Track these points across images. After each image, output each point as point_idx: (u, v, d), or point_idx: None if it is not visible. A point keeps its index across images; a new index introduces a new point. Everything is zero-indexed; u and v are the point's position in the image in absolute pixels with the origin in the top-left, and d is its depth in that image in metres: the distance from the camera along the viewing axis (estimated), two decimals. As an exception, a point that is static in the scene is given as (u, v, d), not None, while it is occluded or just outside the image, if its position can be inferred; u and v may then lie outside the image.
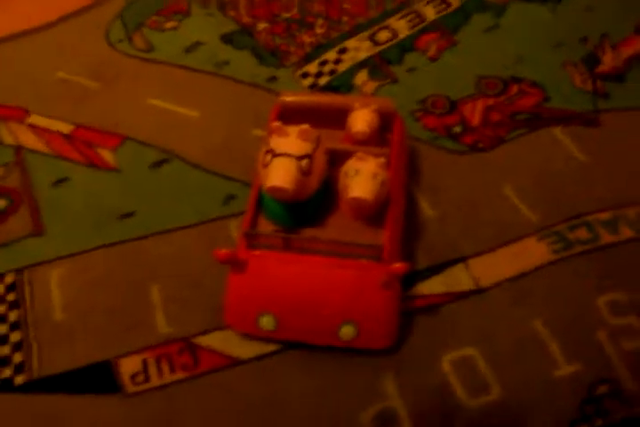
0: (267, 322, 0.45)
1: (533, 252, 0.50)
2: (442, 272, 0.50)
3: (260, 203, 0.48)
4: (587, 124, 0.58)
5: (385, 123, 0.50)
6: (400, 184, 0.50)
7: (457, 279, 0.50)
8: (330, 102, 0.52)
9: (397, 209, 0.49)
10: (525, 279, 0.49)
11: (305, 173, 0.43)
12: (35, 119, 0.63)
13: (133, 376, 0.47)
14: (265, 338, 0.46)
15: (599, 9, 0.67)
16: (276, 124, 0.44)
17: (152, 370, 0.47)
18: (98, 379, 0.47)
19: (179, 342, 0.48)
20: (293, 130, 0.44)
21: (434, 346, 0.47)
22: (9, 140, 0.62)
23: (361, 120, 0.49)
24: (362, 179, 0.44)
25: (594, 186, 0.53)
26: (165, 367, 0.47)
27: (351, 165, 0.45)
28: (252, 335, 0.47)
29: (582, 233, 0.51)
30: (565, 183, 0.54)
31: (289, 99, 0.52)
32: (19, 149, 0.61)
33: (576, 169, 0.55)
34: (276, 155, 0.43)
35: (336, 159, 0.47)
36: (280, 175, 0.42)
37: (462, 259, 0.51)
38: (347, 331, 0.44)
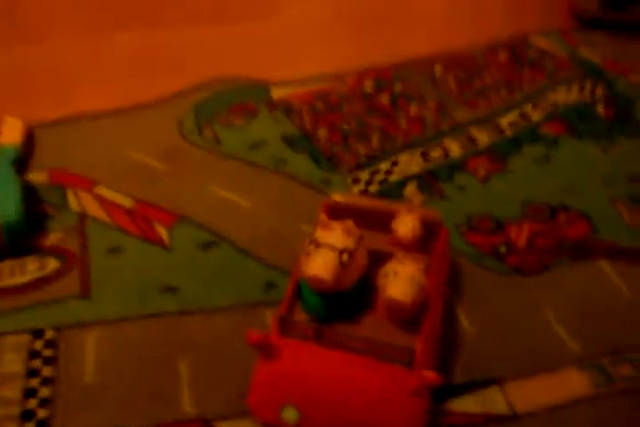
0: (289, 414, 0.44)
1: (573, 383, 0.49)
2: (475, 391, 0.49)
3: (298, 293, 0.48)
4: (635, 259, 0.58)
5: (429, 233, 0.51)
6: (439, 292, 0.50)
7: (491, 401, 0.48)
8: (377, 205, 0.53)
9: (434, 316, 0.48)
10: (564, 411, 0.47)
11: (345, 266, 0.44)
12: (101, 190, 0.67)
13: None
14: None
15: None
16: (323, 217, 0.45)
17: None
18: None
19: (198, 424, 0.47)
20: (338, 225, 0.45)
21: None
22: (75, 206, 0.65)
23: (405, 225, 0.50)
24: (400, 281, 0.44)
25: (638, 324, 0.53)
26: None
27: (391, 266, 0.46)
28: (273, 427, 0.45)
29: (625, 369, 0.49)
30: (609, 318, 0.53)
31: (338, 198, 0.54)
32: (82, 215, 0.64)
33: (621, 305, 0.54)
34: (319, 245, 0.44)
35: (377, 260, 0.48)
36: (321, 265, 0.43)
37: (498, 381, 0.49)
38: None
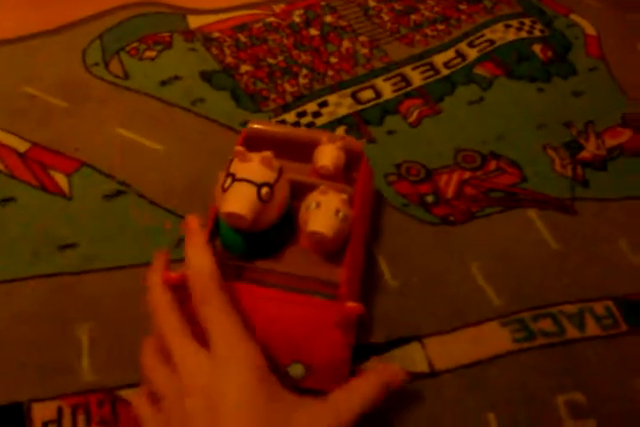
0: None
1: (494, 338, 0.48)
2: (396, 349, 0.47)
3: (215, 230, 0.45)
4: (562, 210, 0.56)
5: (352, 163, 0.49)
6: (363, 225, 0.48)
7: (411, 358, 0.47)
8: (297, 134, 0.50)
9: (358, 249, 0.46)
10: (482, 367, 0.46)
11: (264, 202, 0.40)
12: (-11, 131, 0.59)
13: (45, 425, 0.42)
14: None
15: (587, 95, 0.67)
16: (240, 148, 0.41)
17: (66, 421, 0.43)
18: (7, 423, 0.42)
19: (100, 393, 0.44)
20: (256, 157, 0.41)
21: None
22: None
23: (326, 155, 0.47)
24: (322, 213, 0.42)
25: (563, 275, 0.52)
26: (81, 419, 0.43)
27: (313, 198, 0.43)
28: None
29: (547, 324, 0.49)
30: (534, 269, 0.52)
31: (257, 126, 0.49)
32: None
33: (546, 256, 0.53)
34: (236, 179, 0.40)
35: (299, 192, 0.45)
36: (238, 201, 0.39)
37: (419, 337, 0.48)
38: (295, 371, 0.41)
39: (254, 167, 0.41)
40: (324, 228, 0.41)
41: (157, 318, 0.38)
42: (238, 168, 0.41)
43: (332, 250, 0.44)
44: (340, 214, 0.42)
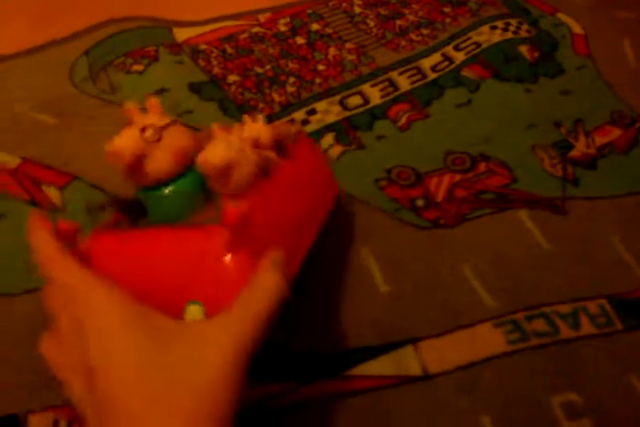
0: None
1: (488, 340, 0.48)
2: (389, 352, 0.47)
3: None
4: (553, 210, 0.56)
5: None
6: (299, 199, 0.45)
7: (404, 362, 0.47)
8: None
9: (272, 190, 0.41)
10: (476, 369, 0.46)
11: (149, 141, 0.37)
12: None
13: (42, 437, 0.42)
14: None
15: (575, 94, 0.67)
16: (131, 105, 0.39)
17: (62, 432, 0.43)
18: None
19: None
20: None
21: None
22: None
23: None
24: (214, 143, 0.37)
25: (555, 276, 0.51)
26: (77, 430, 0.43)
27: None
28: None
29: (540, 325, 0.48)
30: (526, 269, 0.52)
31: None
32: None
33: (538, 256, 0.53)
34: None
35: None
36: (115, 140, 0.37)
37: (412, 340, 0.48)
38: (193, 313, 0.35)
39: (140, 116, 0.39)
40: (212, 155, 0.37)
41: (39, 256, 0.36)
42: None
43: (224, 182, 0.39)
44: (235, 146, 0.38)
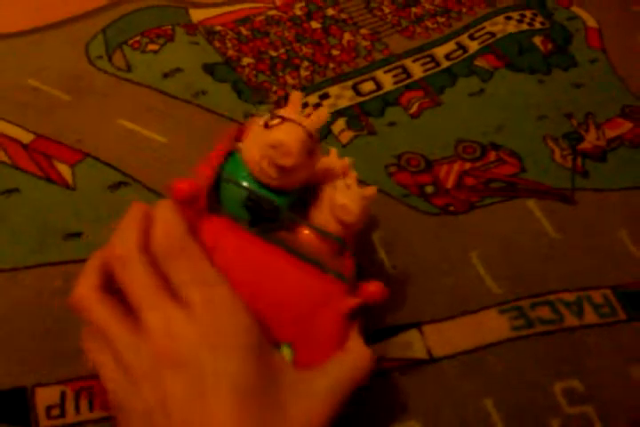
0: None
1: (493, 325, 0.48)
2: (395, 336, 0.48)
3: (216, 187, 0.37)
4: (562, 200, 0.57)
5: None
6: None
7: (409, 345, 0.47)
8: None
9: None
10: (480, 354, 0.47)
11: (308, 153, 0.35)
12: (-5, 121, 0.60)
13: (49, 409, 0.43)
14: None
15: (587, 87, 0.68)
16: (299, 94, 0.38)
17: (69, 405, 0.43)
18: (10, 407, 0.43)
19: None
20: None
21: (374, 417, 0.43)
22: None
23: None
24: (352, 192, 0.39)
25: (561, 264, 0.52)
26: (84, 404, 0.43)
27: (341, 181, 0.40)
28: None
29: (545, 312, 0.49)
30: (533, 258, 0.52)
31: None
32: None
33: (546, 245, 0.53)
34: (285, 119, 0.35)
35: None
36: (287, 133, 0.34)
37: (417, 324, 0.48)
38: (285, 355, 0.34)
39: (302, 117, 0.36)
40: (353, 203, 0.38)
41: (124, 271, 0.32)
42: (287, 112, 0.36)
43: (345, 234, 0.39)
44: (365, 203, 0.39)
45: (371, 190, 0.40)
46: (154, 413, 0.28)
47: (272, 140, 0.34)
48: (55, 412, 0.43)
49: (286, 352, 0.34)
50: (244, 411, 0.28)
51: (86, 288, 0.33)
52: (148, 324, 0.30)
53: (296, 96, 0.38)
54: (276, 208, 0.37)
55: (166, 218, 0.33)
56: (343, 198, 0.38)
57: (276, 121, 0.35)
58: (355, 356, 0.34)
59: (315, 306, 0.35)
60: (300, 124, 0.35)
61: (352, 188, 0.40)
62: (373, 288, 0.36)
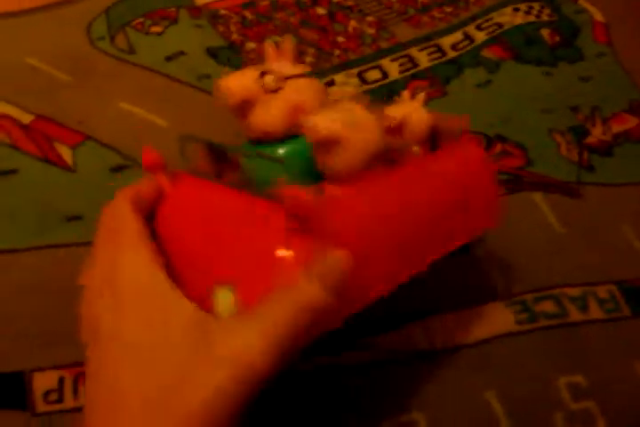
0: None
1: (496, 319, 0.48)
2: (398, 327, 0.47)
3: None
4: (568, 194, 0.56)
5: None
6: (422, 205, 0.36)
7: (413, 337, 0.47)
8: None
9: (392, 202, 0.34)
10: (484, 347, 0.46)
11: (266, 90, 0.34)
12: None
13: (47, 394, 0.42)
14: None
15: (594, 81, 0.67)
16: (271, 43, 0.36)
17: (67, 390, 0.42)
18: (7, 392, 0.42)
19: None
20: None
21: (378, 408, 0.43)
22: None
23: (399, 108, 0.38)
24: (328, 110, 0.32)
25: (567, 259, 0.52)
26: (82, 389, 0.42)
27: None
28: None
29: (549, 306, 0.49)
30: (538, 252, 0.52)
31: None
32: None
33: (551, 238, 0.53)
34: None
35: None
36: (230, 77, 0.34)
37: (421, 316, 0.48)
38: (223, 300, 0.30)
39: (270, 60, 0.36)
40: (321, 121, 0.31)
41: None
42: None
43: (335, 169, 0.33)
44: (353, 118, 0.31)
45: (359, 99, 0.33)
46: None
47: (215, 86, 0.34)
48: (53, 397, 0.42)
49: (223, 296, 0.30)
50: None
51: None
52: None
53: (268, 45, 0.36)
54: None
55: (114, 203, 0.34)
56: (308, 118, 0.31)
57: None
58: (297, 295, 0.28)
59: (253, 232, 0.30)
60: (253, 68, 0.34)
61: (337, 106, 0.33)
62: (292, 192, 0.28)
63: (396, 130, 0.36)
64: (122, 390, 0.27)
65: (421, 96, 0.40)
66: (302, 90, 0.35)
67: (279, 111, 0.34)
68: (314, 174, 0.34)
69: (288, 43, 0.36)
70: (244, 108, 0.34)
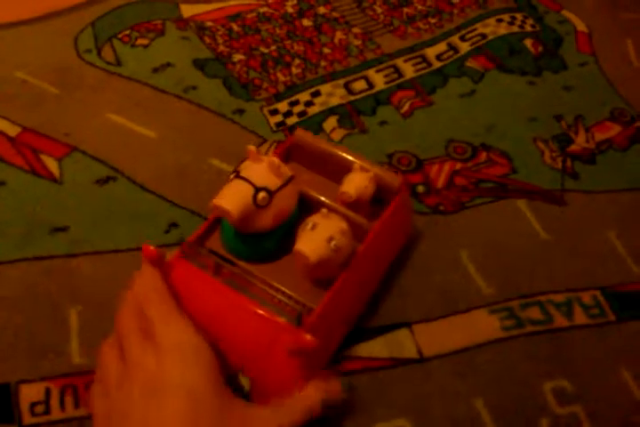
0: None
1: (483, 325, 0.48)
2: (385, 335, 0.48)
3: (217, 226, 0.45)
4: (552, 201, 0.57)
5: (387, 197, 0.47)
6: (374, 263, 0.46)
7: (400, 345, 0.47)
8: (336, 154, 0.48)
9: (352, 282, 0.43)
10: (471, 353, 0.46)
11: (259, 207, 0.40)
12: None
13: (33, 406, 0.42)
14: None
15: (577, 90, 0.68)
16: (252, 147, 0.41)
17: (54, 402, 0.42)
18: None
19: (89, 375, 0.43)
20: (266, 159, 0.41)
21: (365, 414, 0.43)
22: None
23: (352, 182, 0.45)
24: (314, 235, 0.39)
25: (551, 265, 0.52)
26: (69, 400, 0.42)
27: (312, 219, 0.41)
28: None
29: (535, 313, 0.49)
30: (523, 259, 0.52)
31: (302, 134, 0.49)
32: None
33: (536, 245, 0.53)
34: (237, 176, 0.40)
35: (315, 210, 0.42)
36: (229, 197, 0.39)
37: (408, 324, 0.48)
38: (243, 381, 0.41)
39: (260, 170, 0.40)
40: (309, 250, 0.38)
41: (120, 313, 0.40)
42: (245, 166, 0.41)
43: (317, 277, 0.43)
44: (333, 243, 0.39)
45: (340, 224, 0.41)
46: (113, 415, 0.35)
47: (212, 203, 0.39)
48: (40, 409, 0.42)
49: (244, 381, 0.40)
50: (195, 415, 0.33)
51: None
52: (125, 355, 0.37)
53: (251, 149, 0.41)
54: (258, 245, 0.44)
55: (144, 272, 0.40)
56: (301, 243, 0.39)
57: (230, 177, 0.41)
58: (304, 403, 0.39)
59: (266, 345, 0.39)
60: (248, 182, 0.40)
61: (318, 228, 0.40)
62: (306, 338, 0.38)
63: (352, 204, 0.45)
64: None
65: (370, 175, 0.46)
66: (286, 200, 0.42)
67: (268, 221, 0.41)
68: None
69: (275, 160, 0.41)
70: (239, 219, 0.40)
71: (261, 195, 0.40)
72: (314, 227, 0.40)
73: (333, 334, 0.44)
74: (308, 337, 0.38)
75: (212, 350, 0.37)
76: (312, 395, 0.39)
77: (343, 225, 0.41)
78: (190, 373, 0.35)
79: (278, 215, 0.42)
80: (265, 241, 0.43)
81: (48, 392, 0.43)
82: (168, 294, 0.39)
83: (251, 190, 0.39)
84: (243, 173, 0.40)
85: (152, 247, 0.40)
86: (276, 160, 0.41)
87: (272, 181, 0.40)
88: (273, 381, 0.40)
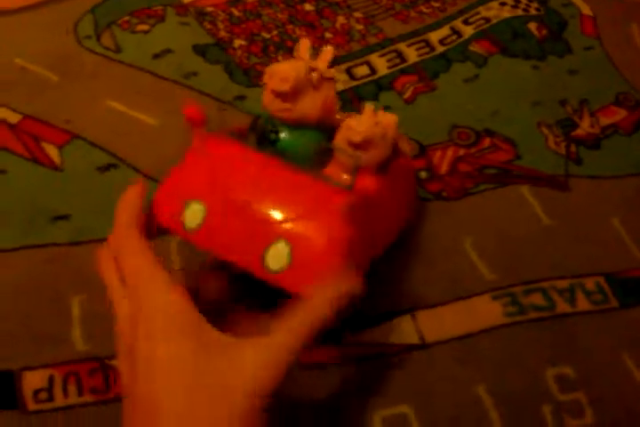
0: (192, 214, 0.37)
1: (486, 311, 0.48)
2: (387, 321, 0.48)
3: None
4: (556, 187, 0.57)
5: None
6: (388, 199, 0.44)
7: (401, 331, 0.47)
8: None
9: (377, 199, 0.41)
10: (473, 340, 0.46)
11: (310, 85, 0.39)
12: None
13: (36, 392, 0.42)
14: (185, 240, 0.38)
15: (582, 74, 0.67)
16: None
17: (57, 388, 0.43)
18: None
19: (92, 362, 0.44)
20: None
21: (368, 400, 0.43)
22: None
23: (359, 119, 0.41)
24: (364, 115, 0.39)
25: (555, 251, 0.52)
26: (72, 388, 0.43)
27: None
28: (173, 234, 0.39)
29: (537, 299, 0.49)
30: (526, 244, 0.52)
31: None
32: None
33: (539, 231, 0.53)
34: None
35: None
36: (286, 66, 0.38)
37: (410, 310, 0.48)
38: (276, 254, 0.35)
39: (309, 57, 0.40)
40: (360, 124, 0.38)
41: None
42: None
43: (358, 163, 0.39)
44: (381, 125, 0.39)
45: (388, 117, 0.41)
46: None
47: (268, 70, 0.38)
48: (43, 395, 0.43)
49: (281, 246, 0.35)
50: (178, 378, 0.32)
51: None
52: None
53: (304, 43, 0.41)
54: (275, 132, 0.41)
55: (117, 221, 0.38)
56: (351, 120, 0.39)
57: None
58: (312, 313, 0.34)
59: (315, 209, 0.36)
60: (300, 59, 0.39)
61: (364, 115, 0.39)
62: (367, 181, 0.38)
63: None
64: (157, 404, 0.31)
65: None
66: (332, 92, 0.41)
67: (320, 105, 0.40)
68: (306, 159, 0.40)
69: (329, 50, 0.41)
70: (287, 94, 0.38)
71: (316, 73, 0.39)
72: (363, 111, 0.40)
73: (366, 237, 0.40)
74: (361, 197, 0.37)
75: (187, 296, 0.34)
76: (319, 305, 0.34)
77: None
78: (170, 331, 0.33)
79: (327, 106, 0.40)
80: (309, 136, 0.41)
81: (51, 379, 0.43)
82: (141, 241, 0.37)
83: (304, 66, 0.39)
84: (295, 54, 0.41)
85: (194, 108, 0.39)
86: (329, 49, 0.41)
87: (324, 68, 0.40)
88: (314, 252, 0.35)
